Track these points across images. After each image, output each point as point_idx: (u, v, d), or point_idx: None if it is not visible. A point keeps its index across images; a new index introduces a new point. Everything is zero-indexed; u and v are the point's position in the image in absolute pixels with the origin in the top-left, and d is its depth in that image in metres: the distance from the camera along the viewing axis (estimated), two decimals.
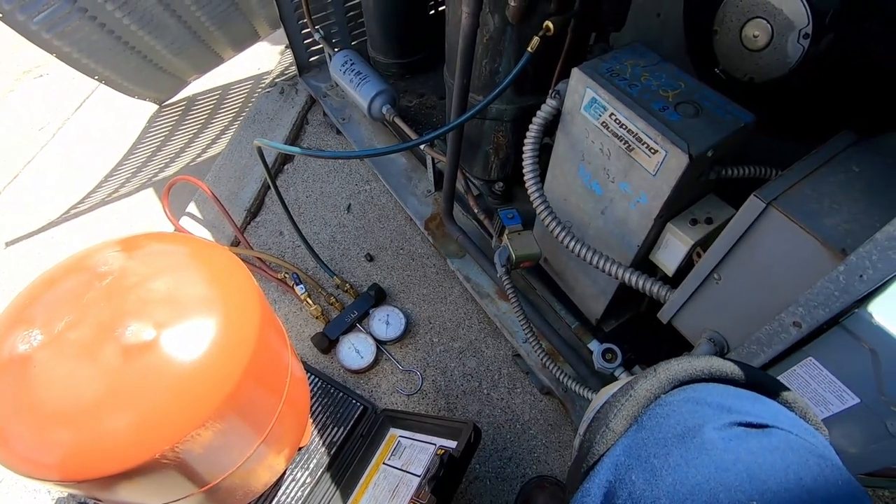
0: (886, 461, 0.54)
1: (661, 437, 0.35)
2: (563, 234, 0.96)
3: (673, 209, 0.87)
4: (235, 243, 1.63)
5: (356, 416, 1.24)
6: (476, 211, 1.38)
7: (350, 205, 1.74)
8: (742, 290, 0.68)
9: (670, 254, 0.91)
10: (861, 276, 0.45)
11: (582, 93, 0.89)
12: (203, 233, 1.66)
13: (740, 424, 0.35)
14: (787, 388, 0.41)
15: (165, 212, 1.65)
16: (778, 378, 0.60)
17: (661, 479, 0.33)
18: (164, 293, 0.71)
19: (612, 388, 0.48)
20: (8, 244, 1.79)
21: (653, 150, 0.80)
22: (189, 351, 0.68)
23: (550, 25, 0.95)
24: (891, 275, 0.44)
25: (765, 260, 0.62)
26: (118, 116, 2.23)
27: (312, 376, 1.30)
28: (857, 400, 0.54)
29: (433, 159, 1.49)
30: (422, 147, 1.47)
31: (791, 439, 0.34)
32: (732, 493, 0.30)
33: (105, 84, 1.90)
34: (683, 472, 0.32)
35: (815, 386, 0.57)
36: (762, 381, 0.41)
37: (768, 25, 0.89)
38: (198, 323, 0.70)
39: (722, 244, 0.68)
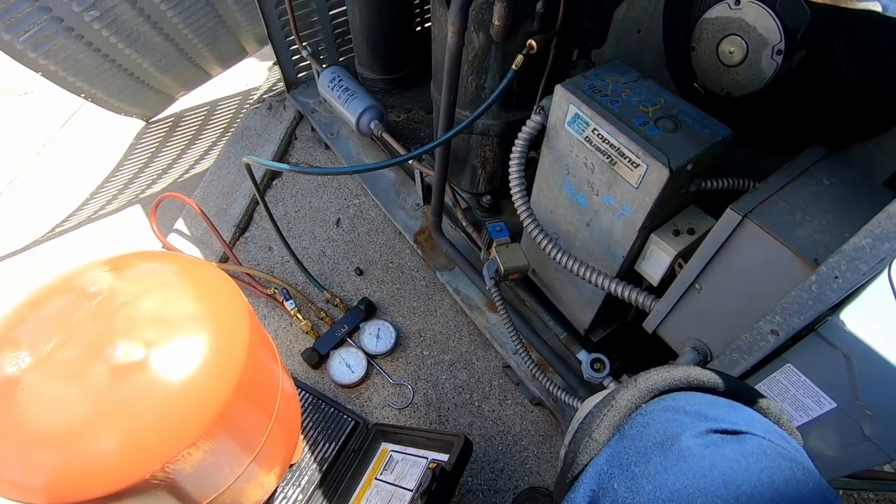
0: (864, 463, 0.56)
1: (641, 446, 0.37)
2: (550, 246, 0.98)
3: (656, 221, 0.89)
4: (224, 259, 1.63)
5: (347, 431, 1.24)
6: (464, 224, 1.39)
7: (339, 219, 1.74)
8: (722, 300, 0.70)
9: (655, 264, 0.93)
10: (832, 285, 0.47)
11: (565, 109, 0.91)
12: (191, 249, 1.66)
13: (716, 431, 0.36)
14: (762, 396, 0.42)
15: (153, 229, 1.64)
16: (759, 385, 0.62)
17: (642, 486, 0.34)
18: (154, 312, 0.71)
19: (595, 399, 0.49)
20: None
21: (635, 164, 0.83)
22: (178, 370, 0.68)
23: (534, 44, 0.98)
24: (859, 283, 0.46)
25: (742, 270, 0.64)
26: (104, 133, 2.22)
27: (303, 392, 1.30)
28: (835, 404, 0.55)
29: (421, 174, 1.50)
30: (410, 162, 1.49)
31: (764, 445, 0.35)
32: (709, 497, 0.32)
33: (91, 101, 1.90)
34: (663, 478, 0.34)
35: (795, 392, 0.59)
36: (739, 390, 0.43)
37: (743, 42, 0.92)
38: (187, 341, 0.70)
39: (702, 255, 0.70)
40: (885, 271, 0.55)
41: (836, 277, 0.46)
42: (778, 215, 0.60)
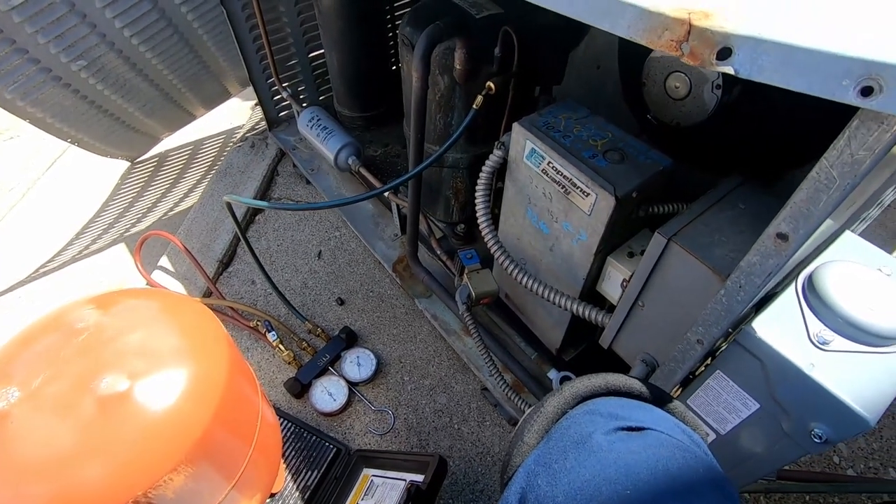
0: (788, 457, 0.61)
1: (562, 445, 0.42)
2: (516, 270, 1.04)
3: (610, 244, 0.96)
4: (208, 294, 1.67)
5: (329, 458, 1.26)
6: (438, 252, 1.46)
7: (320, 251, 1.80)
8: (661, 314, 0.76)
9: (613, 284, 1.00)
10: (737, 297, 0.53)
11: (523, 144, 0.99)
12: (176, 285, 1.70)
13: (623, 429, 0.42)
14: (672, 399, 0.48)
15: (137, 266, 1.68)
16: (697, 391, 0.68)
17: (559, 479, 0.40)
18: (138, 346, 0.75)
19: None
20: None
21: (586, 193, 0.90)
22: (159, 399, 0.72)
23: (492, 85, 1.07)
24: (758, 295, 0.53)
25: (674, 286, 0.71)
26: (90, 174, 2.27)
27: (285, 421, 1.32)
28: (758, 405, 0.62)
29: (398, 205, 1.57)
30: (387, 194, 1.56)
31: (662, 438, 0.41)
32: (612, 484, 0.37)
33: (77, 145, 1.95)
34: (576, 472, 0.39)
35: (726, 396, 0.65)
36: (653, 393, 0.49)
37: (686, 78, 1.01)
38: (168, 373, 0.74)
39: (640, 274, 0.76)
40: (794, 283, 0.62)
41: (739, 288, 0.52)
42: (698, 237, 0.67)
